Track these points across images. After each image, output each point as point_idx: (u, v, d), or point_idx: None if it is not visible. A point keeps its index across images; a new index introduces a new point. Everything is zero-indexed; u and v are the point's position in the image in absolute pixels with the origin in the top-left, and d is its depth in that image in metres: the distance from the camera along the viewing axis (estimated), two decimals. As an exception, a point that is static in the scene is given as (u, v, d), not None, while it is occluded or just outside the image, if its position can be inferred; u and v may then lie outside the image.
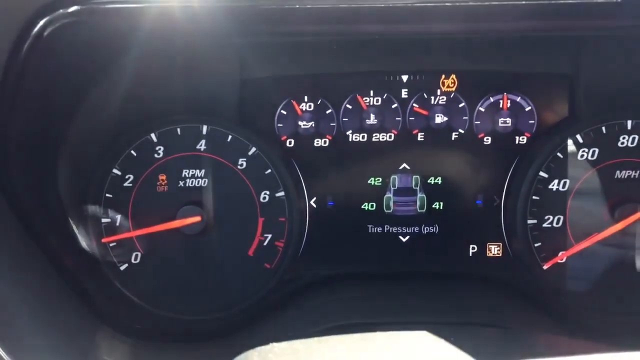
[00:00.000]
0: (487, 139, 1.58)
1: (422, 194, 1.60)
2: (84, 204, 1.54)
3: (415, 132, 1.58)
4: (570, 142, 1.53)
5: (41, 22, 1.14)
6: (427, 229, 1.61)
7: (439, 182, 1.59)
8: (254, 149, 1.55)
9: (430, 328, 1.13)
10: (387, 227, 1.61)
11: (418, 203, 1.60)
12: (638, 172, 1.51)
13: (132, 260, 1.57)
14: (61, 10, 1.14)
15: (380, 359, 1.04)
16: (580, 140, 1.52)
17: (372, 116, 1.57)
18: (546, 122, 1.57)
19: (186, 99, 1.52)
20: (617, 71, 1.50)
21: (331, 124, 1.58)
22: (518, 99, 1.57)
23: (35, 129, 1.35)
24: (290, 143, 1.59)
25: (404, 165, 1.59)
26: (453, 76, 1.56)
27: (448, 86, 1.57)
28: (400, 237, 1.61)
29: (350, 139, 1.58)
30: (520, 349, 1.20)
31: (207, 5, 1.17)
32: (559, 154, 1.53)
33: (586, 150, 1.53)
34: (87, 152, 1.52)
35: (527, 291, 1.57)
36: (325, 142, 1.59)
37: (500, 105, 1.57)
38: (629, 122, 1.51)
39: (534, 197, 1.54)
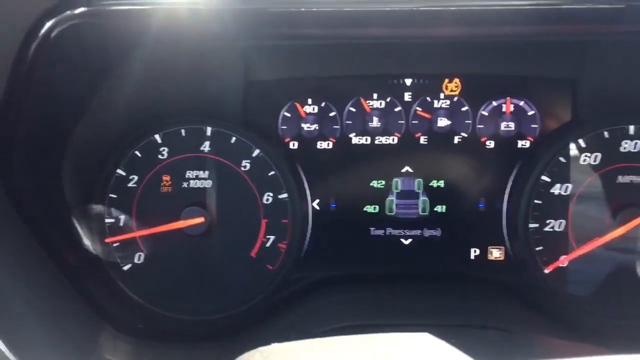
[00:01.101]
0: (490, 142, 1.58)
1: (425, 197, 1.60)
2: (88, 204, 1.54)
3: (418, 135, 1.59)
4: (572, 146, 1.53)
5: (48, 24, 1.14)
6: (429, 232, 1.61)
7: (442, 185, 1.60)
8: (257, 151, 1.56)
9: (431, 330, 1.14)
10: (389, 230, 1.61)
11: (420, 206, 1.60)
12: (640, 177, 1.52)
13: (136, 261, 1.57)
14: (68, 12, 1.15)
15: (381, 360, 1.04)
16: (583, 145, 1.52)
17: (376, 119, 1.57)
18: (549, 127, 1.57)
19: (191, 100, 1.53)
20: (621, 76, 1.51)
21: (334, 127, 1.59)
22: (521, 103, 1.57)
23: (41, 129, 1.36)
24: (293, 145, 1.59)
25: (407, 168, 1.60)
26: (456, 80, 1.57)
27: (451, 90, 1.57)
28: (402, 240, 1.62)
29: (353, 142, 1.59)
30: (521, 351, 1.20)
31: (214, 8, 1.18)
32: (561, 158, 1.53)
33: (589, 154, 1.53)
34: (91, 152, 1.52)
35: (528, 295, 1.56)
36: (328, 144, 1.59)
37: (503, 109, 1.57)
38: (632, 127, 1.51)
39: (536, 201, 1.54)
